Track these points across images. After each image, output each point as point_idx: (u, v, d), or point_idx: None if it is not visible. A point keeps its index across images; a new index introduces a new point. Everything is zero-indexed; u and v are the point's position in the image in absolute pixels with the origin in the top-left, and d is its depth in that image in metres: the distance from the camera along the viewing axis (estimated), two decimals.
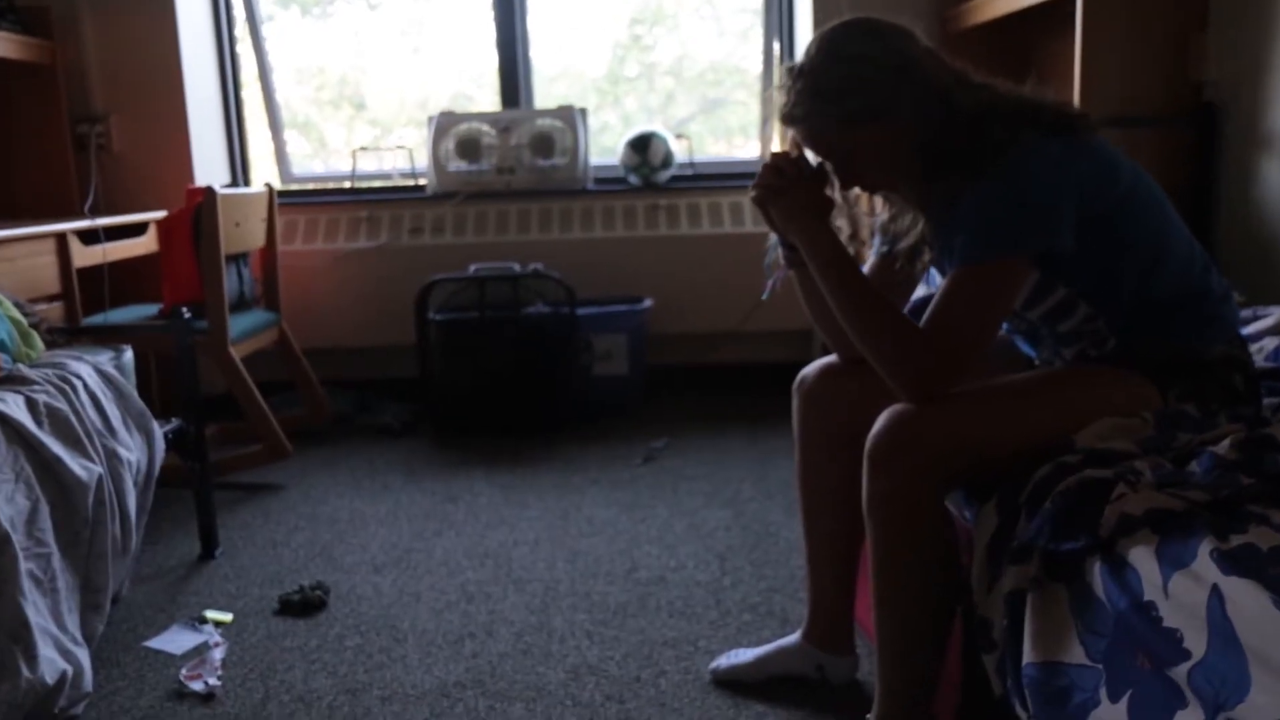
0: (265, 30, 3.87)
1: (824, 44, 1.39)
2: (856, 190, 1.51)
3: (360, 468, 3.06)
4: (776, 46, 3.79)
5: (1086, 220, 1.32)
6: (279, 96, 3.93)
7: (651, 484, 2.81)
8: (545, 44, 3.93)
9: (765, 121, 3.77)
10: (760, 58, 3.88)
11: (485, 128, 3.70)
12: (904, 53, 1.37)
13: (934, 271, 1.65)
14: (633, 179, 3.69)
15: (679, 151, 3.72)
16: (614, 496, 2.72)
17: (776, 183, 1.43)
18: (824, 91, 1.36)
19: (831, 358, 1.65)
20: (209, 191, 2.79)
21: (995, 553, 1.24)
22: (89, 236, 2.90)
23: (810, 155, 1.46)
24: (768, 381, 3.73)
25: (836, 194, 1.48)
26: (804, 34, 3.62)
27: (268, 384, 3.48)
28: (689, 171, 3.78)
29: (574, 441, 3.22)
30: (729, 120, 4.13)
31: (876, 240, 1.60)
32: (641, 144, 3.64)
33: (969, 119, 1.35)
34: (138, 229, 3.20)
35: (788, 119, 1.41)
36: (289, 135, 4.05)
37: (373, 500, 2.76)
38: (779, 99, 1.42)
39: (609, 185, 3.74)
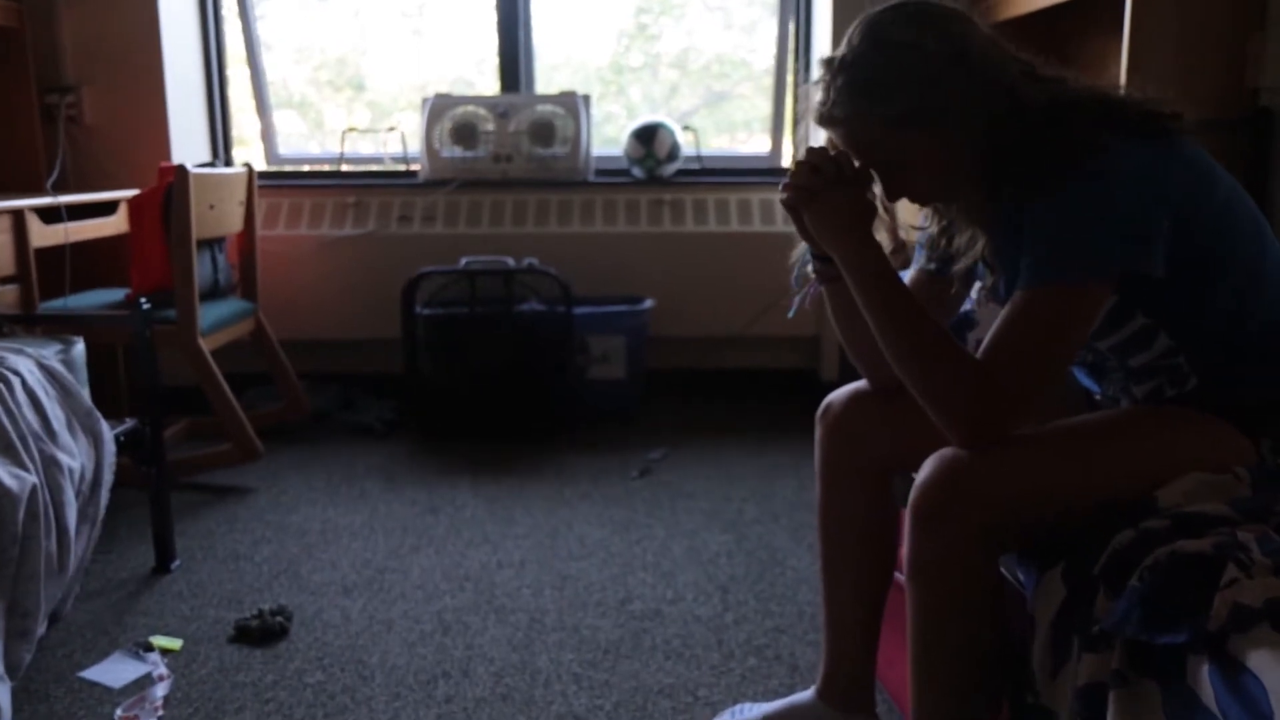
0: (260, 7, 3.66)
1: (868, 32, 1.18)
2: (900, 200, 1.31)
3: (337, 471, 2.85)
4: (791, 33, 3.59)
5: (1177, 238, 1.12)
6: (273, 74, 3.73)
7: (648, 500, 2.61)
8: (548, 30, 3.73)
9: (798, 121, 3.56)
10: (771, 50, 3.67)
11: (482, 112, 3.49)
12: (963, 41, 1.17)
13: (976, 290, 1.45)
14: (636, 171, 3.49)
15: (686, 144, 3.52)
16: (607, 514, 2.52)
17: (812, 183, 1.23)
18: (869, 88, 1.16)
19: (861, 383, 1.46)
20: (180, 170, 2.58)
21: (1063, 632, 1.04)
22: (51, 215, 2.69)
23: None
24: (774, 390, 3.54)
25: (879, 202, 1.28)
26: (822, 22, 3.42)
27: (244, 376, 3.28)
28: (696, 165, 3.58)
29: (566, 450, 3.02)
30: (733, 115, 3.95)
31: (920, 255, 1.41)
32: (647, 135, 3.43)
33: (1040, 119, 1.15)
34: (107, 208, 2.98)
35: (825, 120, 1.20)
36: (285, 115, 3.84)
37: (348, 509, 2.56)
38: (814, 97, 1.22)
39: (611, 177, 3.54)
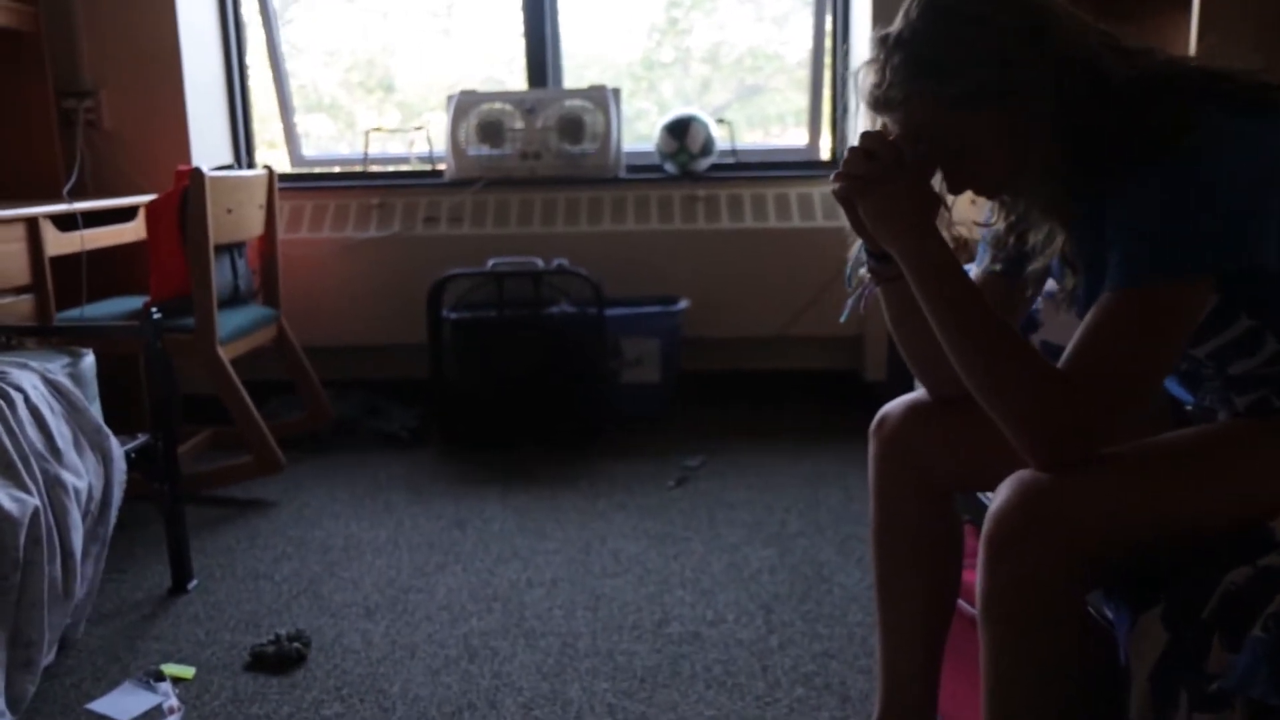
0: (290, 10, 3.58)
1: (930, 3, 1.05)
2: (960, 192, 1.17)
3: (361, 482, 2.76)
4: (829, 23, 3.44)
5: None
6: (304, 77, 3.66)
7: (685, 511, 2.49)
8: (578, 27, 3.62)
9: (843, 112, 3.41)
10: (805, 42, 3.53)
11: (509, 109, 3.38)
12: (1038, 9, 1.03)
13: (1046, 293, 1.32)
14: (669, 167, 3.36)
15: (720, 138, 3.38)
16: (643, 526, 2.40)
17: (868, 172, 1.09)
18: (931, 66, 1.03)
19: (919, 394, 1.32)
20: (195, 173, 2.49)
21: (1166, 684, 0.91)
22: (67, 222, 2.61)
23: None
24: (815, 392, 3.40)
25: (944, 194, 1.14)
26: (861, 10, 3.27)
27: (267, 384, 3.20)
28: (731, 160, 3.44)
29: (599, 457, 2.90)
30: (767, 109, 3.81)
31: (983, 255, 1.27)
32: (680, 128, 3.30)
33: (1128, 95, 1.01)
34: (126, 214, 2.91)
35: (881, 103, 1.07)
36: (316, 118, 3.76)
37: (372, 523, 2.46)
38: (867, 78, 1.09)
39: (643, 174, 3.41)
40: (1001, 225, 1.20)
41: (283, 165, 3.65)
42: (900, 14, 1.08)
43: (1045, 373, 0.99)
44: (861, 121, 1.18)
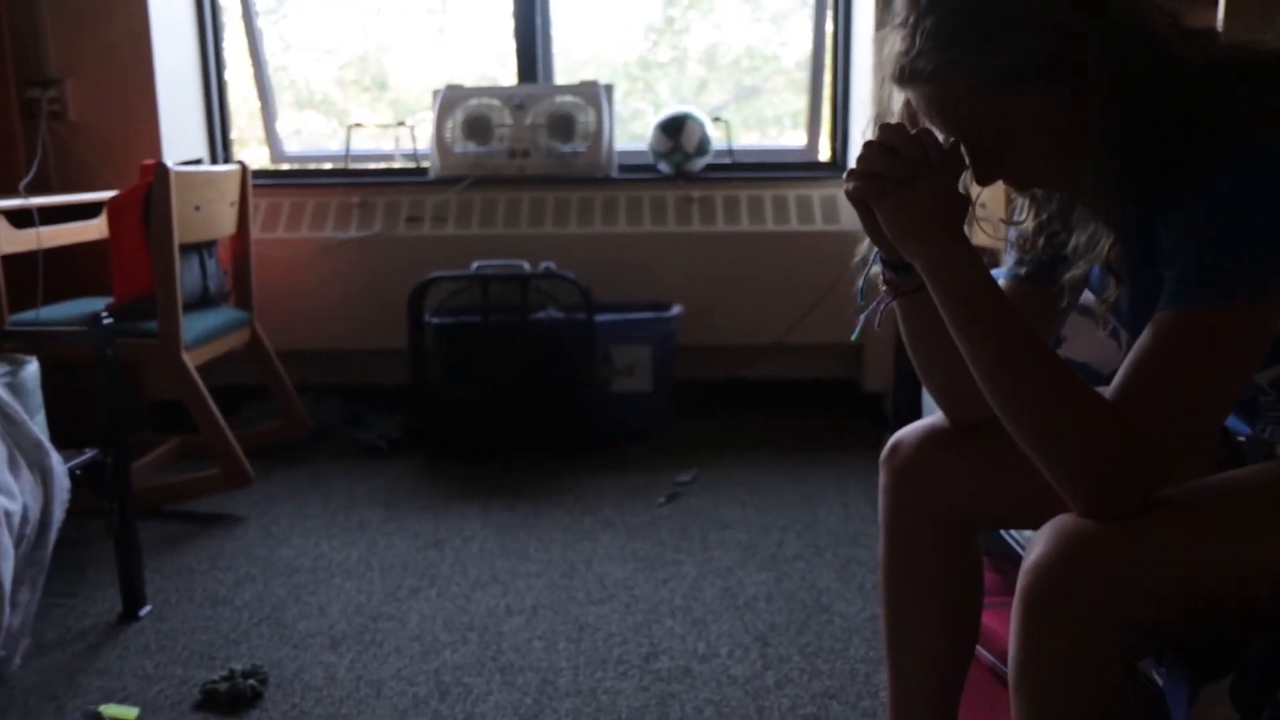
0: (277, 2, 3.44)
1: None
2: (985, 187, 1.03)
3: (335, 496, 2.61)
4: (830, 22, 3.31)
5: None
6: (296, 74, 3.52)
7: (676, 530, 2.35)
8: (572, 25, 3.48)
9: (847, 111, 3.25)
10: (804, 43, 3.40)
11: (497, 104, 3.24)
12: None
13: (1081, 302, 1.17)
14: (663, 167, 3.22)
15: (716, 138, 3.24)
16: (631, 547, 2.26)
17: (889, 170, 0.95)
18: (968, 35, 0.89)
19: (936, 418, 1.18)
20: (159, 168, 2.35)
21: None
22: (24, 219, 2.46)
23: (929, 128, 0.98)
24: (813, 402, 3.26)
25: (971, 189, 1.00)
26: (864, 8, 3.13)
27: (241, 389, 3.06)
28: (727, 160, 3.31)
29: (586, 471, 2.76)
30: (764, 110, 3.68)
31: (1009, 256, 1.13)
32: (674, 127, 3.16)
33: (1199, 83, 0.87)
34: (90, 210, 2.76)
35: (908, 75, 0.93)
36: (309, 115, 3.62)
37: (343, 542, 2.31)
38: (891, 45, 0.95)
39: (636, 174, 3.27)
40: (1030, 223, 1.05)
41: (263, 162, 3.51)
42: None
43: (1094, 405, 0.85)
44: (865, 110, 1.03)
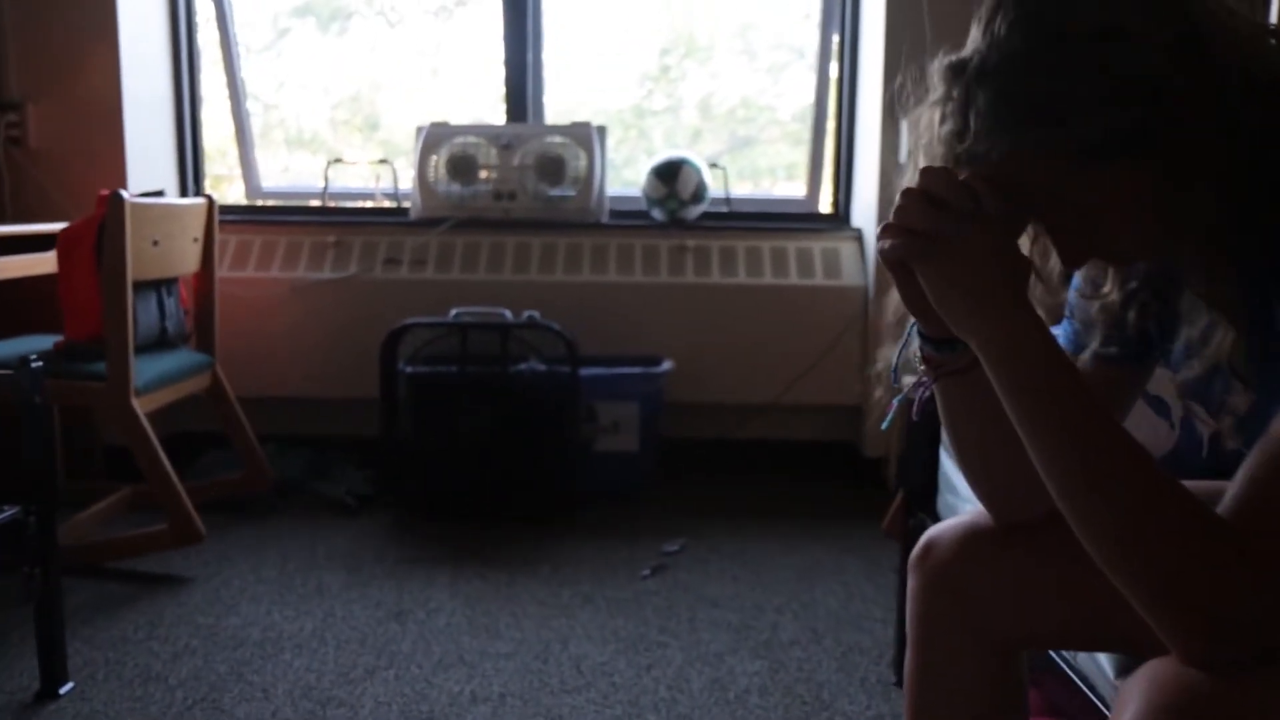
0: (272, 39, 3.31)
1: (1025, 12, 0.74)
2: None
3: (294, 556, 2.41)
4: (834, 73, 3.19)
5: None
6: (286, 112, 3.38)
7: (662, 608, 2.15)
8: (565, 70, 3.36)
9: (850, 164, 3.11)
10: (805, 92, 3.28)
11: (483, 144, 3.09)
12: (1184, 11, 0.73)
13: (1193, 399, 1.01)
14: (657, 214, 3.07)
15: (713, 185, 3.10)
16: (612, 625, 2.06)
17: (935, 226, 0.77)
18: (1042, 106, 0.72)
19: (977, 516, 1.00)
20: (113, 197, 2.18)
21: None
22: None
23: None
24: (809, 465, 3.09)
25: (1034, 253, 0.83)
26: (871, 56, 3.01)
27: (203, 436, 2.87)
28: (724, 208, 3.16)
29: (566, 537, 2.57)
30: (758, 161, 3.57)
31: (1070, 330, 0.96)
32: (670, 172, 3.02)
33: None
34: (46, 242, 2.58)
35: (966, 158, 0.76)
36: (300, 155, 3.47)
37: (298, 611, 2.11)
38: (931, 124, 0.79)
39: (627, 220, 3.12)
40: (1117, 294, 0.88)
41: (238, 198, 3.35)
42: (977, 31, 0.77)
43: (1207, 525, 0.67)
44: (871, 160, 0.86)
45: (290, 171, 3.52)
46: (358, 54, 3.49)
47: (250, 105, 3.34)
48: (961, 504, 1.59)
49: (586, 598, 2.20)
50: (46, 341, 2.47)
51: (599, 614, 2.12)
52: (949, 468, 1.69)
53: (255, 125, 3.37)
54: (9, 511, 1.64)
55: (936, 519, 1.65)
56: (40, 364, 1.68)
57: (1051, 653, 1.19)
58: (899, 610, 1.69)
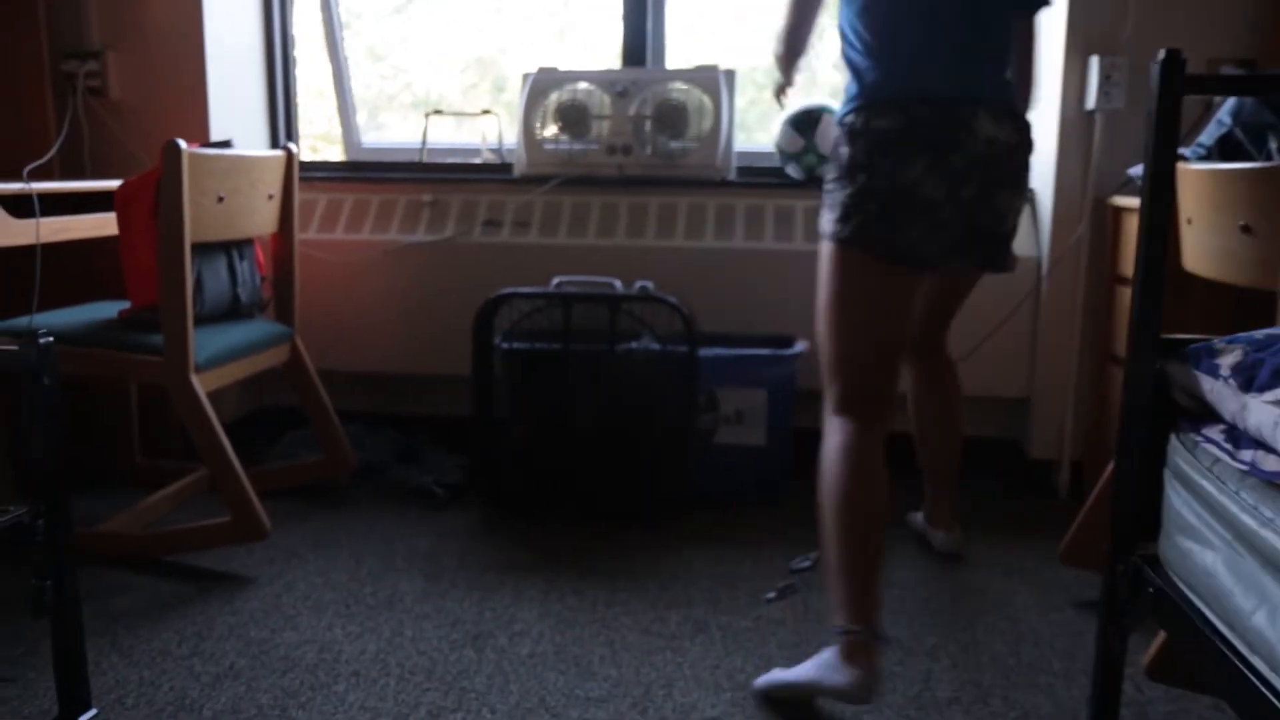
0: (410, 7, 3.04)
1: None
2: None
3: (369, 558, 2.13)
4: None
5: None
6: (413, 75, 3.09)
7: (789, 642, 1.78)
8: (690, 21, 2.97)
9: None
10: None
11: (596, 91, 2.73)
12: None
13: None
14: (792, 170, 2.66)
15: None
16: (727, 664, 1.70)
17: None
18: None
19: None
20: (169, 147, 1.91)
21: None
22: (24, 207, 2.07)
23: None
24: (967, 465, 2.63)
25: None
26: None
27: (290, 413, 2.63)
28: None
29: (679, 546, 2.22)
30: None
31: None
32: (808, 122, 2.60)
33: None
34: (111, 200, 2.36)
35: None
36: (434, 119, 3.22)
37: (362, 627, 1.82)
38: None
39: (758, 178, 2.72)
40: None
41: (337, 157, 3.10)
42: None
43: None
44: None
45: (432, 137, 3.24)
46: (484, 16, 3.19)
47: (380, 68, 3.08)
48: (1200, 551, 1.15)
49: (699, 626, 1.84)
50: (112, 309, 2.26)
51: (712, 649, 1.75)
52: (1179, 501, 1.24)
53: (388, 89, 3.11)
54: (12, 513, 1.38)
55: (1157, 565, 1.21)
56: (49, 339, 1.41)
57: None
58: (1093, 665, 1.27)
